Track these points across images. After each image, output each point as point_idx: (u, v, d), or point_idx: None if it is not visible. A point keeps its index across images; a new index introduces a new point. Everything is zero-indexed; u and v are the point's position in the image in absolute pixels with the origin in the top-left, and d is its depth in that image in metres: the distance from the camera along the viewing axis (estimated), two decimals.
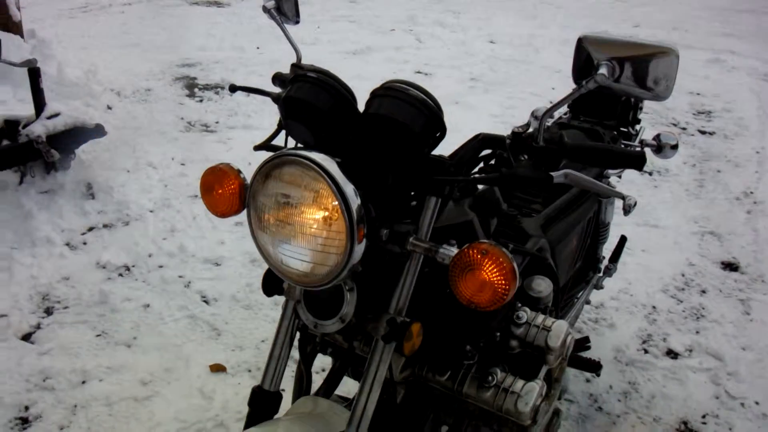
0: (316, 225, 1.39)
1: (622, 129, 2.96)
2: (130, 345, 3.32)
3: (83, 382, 3.08)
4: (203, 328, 3.45)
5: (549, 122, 1.54)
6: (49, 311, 3.54)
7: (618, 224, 4.32)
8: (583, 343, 2.56)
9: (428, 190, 1.51)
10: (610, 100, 2.87)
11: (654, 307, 3.69)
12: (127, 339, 3.36)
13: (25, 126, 4.13)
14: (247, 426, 1.70)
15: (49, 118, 4.15)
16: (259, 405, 1.73)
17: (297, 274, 1.46)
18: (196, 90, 6.20)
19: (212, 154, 4.97)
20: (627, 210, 1.67)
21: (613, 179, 3.15)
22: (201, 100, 5.99)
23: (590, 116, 2.95)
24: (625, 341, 3.35)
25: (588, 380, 3.04)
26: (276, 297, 1.73)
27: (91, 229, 4.19)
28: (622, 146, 2.31)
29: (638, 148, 2.85)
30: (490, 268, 1.37)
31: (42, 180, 4.28)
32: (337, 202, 1.34)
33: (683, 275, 4.00)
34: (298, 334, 1.83)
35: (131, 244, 4.07)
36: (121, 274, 3.86)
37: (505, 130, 2.90)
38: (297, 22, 1.95)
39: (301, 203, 1.39)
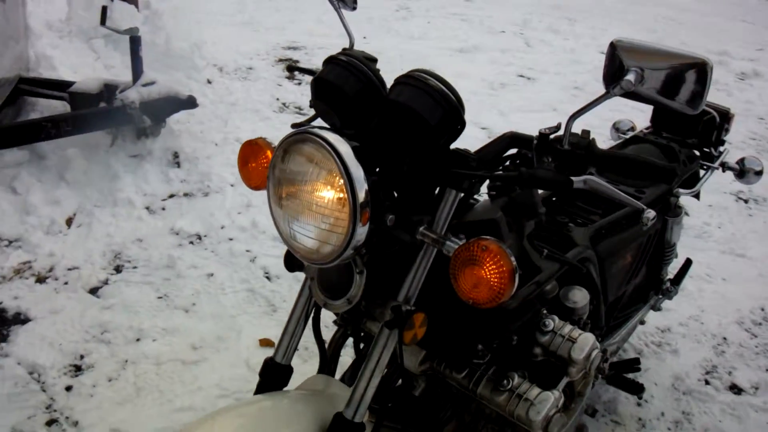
0: (322, 203, 1.40)
1: (704, 149, 2.82)
2: (188, 310, 3.40)
3: (137, 340, 3.18)
4: (260, 303, 3.49)
5: (573, 125, 1.51)
6: (118, 269, 3.66)
7: (701, 249, 4.12)
8: (632, 364, 2.43)
9: (447, 182, 1.49)
10: (691, 118, 2.74)
11: (725, 338, 3.47)
12: (186, 304, 3.43)
13: (121, 91, 4.29)
14: (255, 394, 1.73)
15: (144, 85, 4.30)
16: (270, 376, 1.76)
17: (304, 250, 1.47)
18: (295, 73, 6.30)
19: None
20: (644, 223, 1.59)
21: (693, 201, 2.97)
22: (299, 83, 6.09)
23: (672, 133, 2.83)
24: (687, 370, 3.17)
25: (639, 404, 2.89)
26: None
27: (171, 196, 4.32)
28: (686, 162, 2.16)
29: (719, 170, 2.70)
30: (488, 266, 1.35)
31: (132, 144, 4.44)
32: (343, 182, 1.34)
33: (763, 309, 3.75)
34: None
35: (207, 214, 4.17)
36: (192, 242, 3.96)
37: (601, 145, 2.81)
38: (354, 8, 1.98)
39: (311, 180, 1.40)
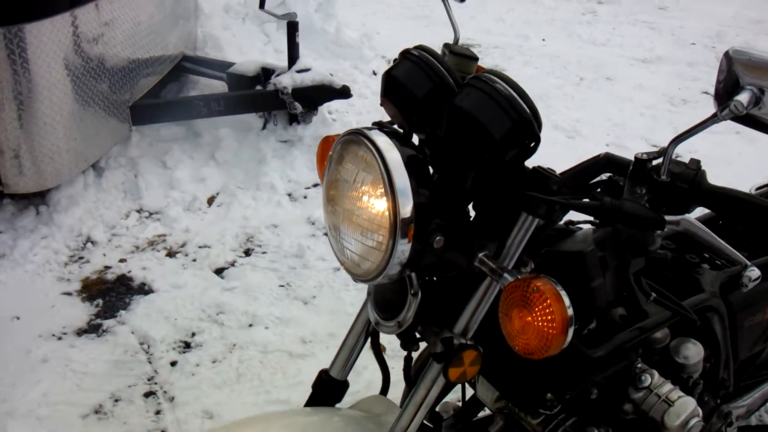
0: (363, 214, 1.26)
1: None
2: (306, 302, 3.30)
3: (250, 325, 3.11)
4: None
5: (679, 155, 1.26)
6: (247, 252, 3.63)
7: None
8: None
9: (520, 206, 1.28)
10: None
11: None
12: (306, 296, 3.34)
13: (276, 76, 4.29)
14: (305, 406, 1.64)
15: (299, 72, 4.26)
16: (322, 390, 1.65)
17: (347, 263, 1.34)
18: None
19: None
20: (744, 284, 1.29)
21: None
22: None
23: None
24: None
25: None
26: None
27: (316, 185, 4.26)
28: None
29: None
30: (538, 310, 1.15)
31: (283, 129, 4.43)
32: (383, 191, 1.19)
33: None
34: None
35: None
36: (325, 234, 3.86)
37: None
38: (462, 1, 1.76)
39: (355, 187, 1.26)
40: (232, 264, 3.53)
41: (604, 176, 1.49)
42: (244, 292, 3.32)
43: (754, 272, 1.27)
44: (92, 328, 3.05)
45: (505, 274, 1.22)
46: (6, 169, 3.31)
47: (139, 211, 3.83)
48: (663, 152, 1.31)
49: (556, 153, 4.76)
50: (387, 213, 1.18)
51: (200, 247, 3.62)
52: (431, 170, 1.32)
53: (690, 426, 1.50)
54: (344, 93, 4.37)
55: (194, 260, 3.52)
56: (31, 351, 2.89)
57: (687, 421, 1.49)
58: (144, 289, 3.30)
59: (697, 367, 1.65)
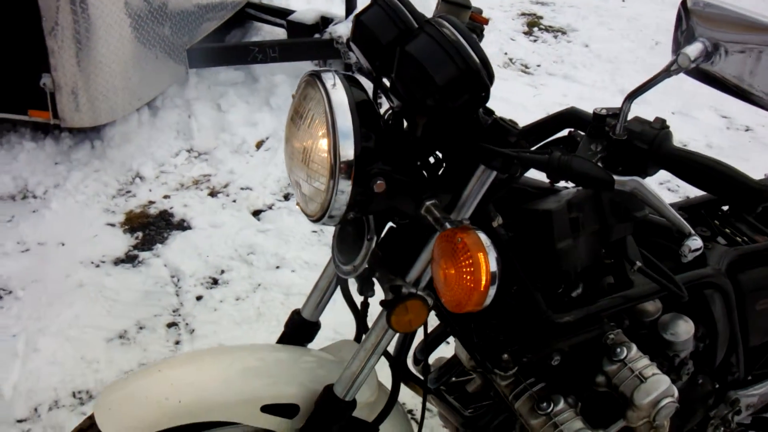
0: (309, 154, 1.26)
1: None
2: None
3: (277, 267, 3.21)
4: None
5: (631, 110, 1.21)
6: (287, 197, 3.72)
7: None
8: None
9: (476, 157, 1.27)
10: None
11: None
12: None
13: (334, 25, 4.32)
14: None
15: None
16: (293, 329, 1.69)
17: (300, 204, 1.35)
18: (535, 29, 5.95)
19: (513, 96, 4.75)
20: (683, 254, 1.23)
21: None
22: (535, 41, 5.75)
23: None
24: None
25: None
26: None
27: None
28: None
29: None
30: (461, 262, 1.14)
31: None
32: (324, 131, 1.20)
33: None
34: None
35: None
36: None
37: None
38: None
39: (304, 126, 1.27)
40: (270, 207, 3.63)
41: (567, 132, 1.45)
42: (277, 234, 3.41)
43: (695, 242, 1.20)
44: (129, 259, 3.22)
45: (446, 223, 1.22)
46: (63, 104, 3.49)
47: (188, 151, 3.97)
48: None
49: None
50: (328, 153, 1.19)
51: (242, 188, 3.73)
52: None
53: (661, 406, 1.44)
54: None
55: (234, 201, 3.64)
56: (70, 275, 3.07)
57: (658, 400, 1.44)
58: (183, 226, 3.44)
59: (686, 346, 1.59)
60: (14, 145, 3.78)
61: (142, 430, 1.41)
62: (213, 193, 3.68)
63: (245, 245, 3.33)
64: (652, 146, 1.19)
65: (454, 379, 1.87)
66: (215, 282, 3.11)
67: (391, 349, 1.69)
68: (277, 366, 1.53)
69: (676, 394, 1.47)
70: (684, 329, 1.58)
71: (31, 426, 2.41)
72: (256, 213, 3.58)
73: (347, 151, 1.18)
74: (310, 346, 1.70)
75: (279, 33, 4.73)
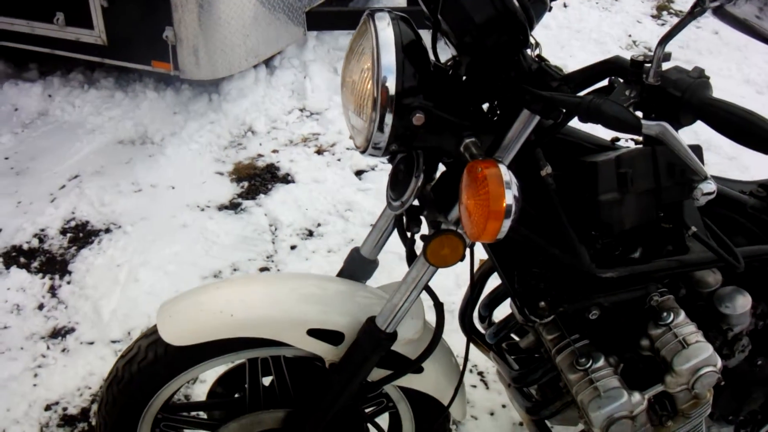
0: (358, 87, 1.31)
1: None
2: None
3: (371, 225, 3.23)
4: None
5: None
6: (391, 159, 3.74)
7: None
8: None
9: (520, 101, 1.29)
10: None
11: None
12: None
13: None
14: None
15: None
16: (351, 266, 1.72)
17: (352, 134, 1.40)
18: (664, 13, 5.69)
19: None
20: (696, 198, 1.17)
21: None
22: (663, 24, 5.49)
23: None
24: None
25: None
26: None
27: None
28: None
29: None
30: (480, 193, 1.17)
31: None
32: (370, 65, 1.24)
33: None
34: None
35: None
36: None
37: None
38: None
39: (357, 61, 1.32)
40: (373, 168, 3.66)
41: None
42: (376, 194, 3.45)
43: (709, 185, 1.17)
44: (232, 206, 3.34)
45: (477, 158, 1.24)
46: (183, 57, 3.65)
47: (301, 110, 4.06)
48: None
49: None
50: (372, 85, 1.23)
51: (348, 149, 3.78)
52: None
53: (701, 374, 1.43)
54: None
55: (339, 160, 3.70)
56: (175, 216, 3.22)
57: (699, 367, 1.42)
58: (287, 179, 3.53)
59: (741, 321, 1.55)
60: (138, 93, 4.00)
61: (195, 339, 1.49)
62: (319, 151, 3.76)
63: (344, 202, 3.38)
64: (686, 94, 1.14)
65: (513, 336, 1.86)
66: (310, 234, 3.18)
67: (450, 297, 1.67)
68: (327, 294, 1.57)
69: (719, 364, 1.44)
70: (741, 303, 1.53)
71: (123, 347, 2.55)
72: (359, 173, 3.63)
73: (389, 84, 1.21)
74: (369, 282, 1.72)
75: (400, 1, 4.76)
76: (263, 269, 2.96)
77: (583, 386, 1.45)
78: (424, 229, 1.42)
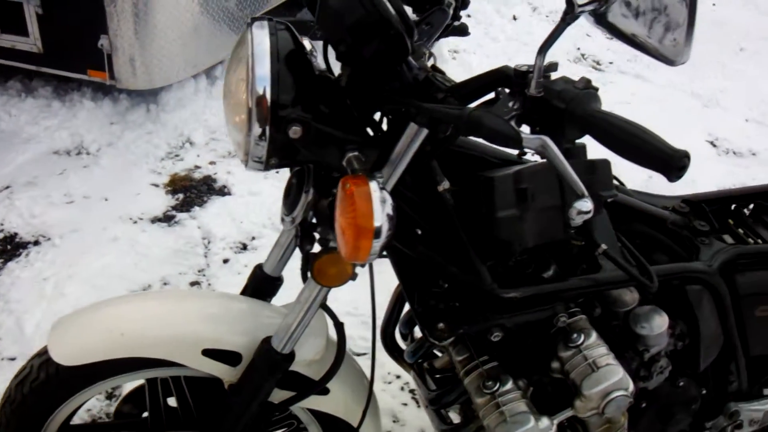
0: (235, 96, 1.27)
1: None
2: None
3: None
4: None
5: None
6: None
7: None
8: None
9: (406, 114, 1.24)
10: None
11: None
12: None
13: None
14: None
15: None
16: (255, 284, 1.69)
17: (233, 146, 1.36)
18: None
19: None
20: (571, 218, 1.16)
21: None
22: (612, 38, 5.53)
23: None
24: None
25: None
26: None
27: None
28: None
29: None
30: (347, 210, 1.13)
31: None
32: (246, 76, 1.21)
33: None
34: None
35: None
36: None
37: None
38: None
39: (233, 69, 1.28)
40: None
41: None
42: None
43: (585, 204, 1.12)
44: (166, 218, 3.31)
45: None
46: (119, 66, 3.62)
47: None
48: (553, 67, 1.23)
49: (684, 120, 4.46)
50: (246, 96, 1.20)
51: None
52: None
53: (611, 398, 1.37)
54: (462, 30, 4.29)
55: (277, 172, 3.65)
56: (107, 228, 3.18)
57: (608, 391, 1.37)
58: (223, 191, 3.51)
59: (657, 341, 1.51)
60: (75, 103, 3.95)
61: (84, 359, 1.46)
62: None
63: (279, 214, 3.35)
64: (570, 106, 1.12)
65: (437, 353, 1.84)
66: (244, 247, 3.16)
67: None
68: (226, 313, 1.54)
69: (631, 388, 1.39)
70: (657, 323, 1.49)
71: None
72: None
73: (263, 95, 1.18)
74: (274, 300, 1.70)
75: None
76: (194, 283, 2.93)
77: (490, 410, 1.40)
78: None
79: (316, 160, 1.30)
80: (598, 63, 5.18)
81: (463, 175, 1.38)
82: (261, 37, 1.21)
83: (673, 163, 1.05)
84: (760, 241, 1.77)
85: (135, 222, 3.26)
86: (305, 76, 1.24)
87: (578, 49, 5.32)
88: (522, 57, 4.98)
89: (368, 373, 1.57)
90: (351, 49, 1.19)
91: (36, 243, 3.11)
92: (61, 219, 3.23)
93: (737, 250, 1.66)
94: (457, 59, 4.66)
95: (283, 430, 1.74)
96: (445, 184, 1.35)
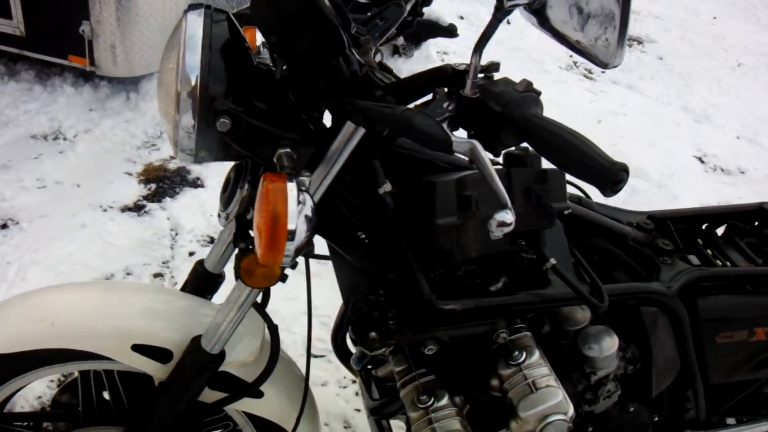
0: (164, 85, 1.23)
1: None
2: None
3: None
4: None
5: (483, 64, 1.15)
6: None
7: None
8: None
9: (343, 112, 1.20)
10: None
11: None
12: None
13: None
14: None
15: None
16: (196, 280, 1.67)
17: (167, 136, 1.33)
18: None
19: (568, 100, 4.58)
20: (490, 228, 1.11)
21: None
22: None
23: None
24: None
25: None
26: None
27: None
28: None
29: None
30: (263, 209, 1.08)
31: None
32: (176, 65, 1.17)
33: None
34: None
35: None
36: None
37: None
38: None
39: (166, 57, 1.24)
40: None
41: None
42: None
43: (506, 216, 1.05)
44: (136, 208, 3.27)
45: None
46: (99, 52, 3.59)
47: None
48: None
49: (673, 134, 4.43)
50: (175, 86, 1.16)
51: None
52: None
53: (548, 422, 1.30)
54: (450, 31, 4.28)
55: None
56: (76, 215, 3.15)
57: (546, 414, 1.30)
58: (196, 183, 3.48)
59: (605, 364, 1.44)
60: (56, 88, 3.92)
61: (14, 347, 1.43)
62: None
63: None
64: (506, 109, 1.08)
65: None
66: (212, 240, 3.13)
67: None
68: (161, 309, 1.51)
69: (571, 412, 1.32)
70: (606, 345, 1.43)
71: None
72: None
73: (191, 84, 1.14)
74: (215, 298, 1.68)
75: None
76: (157, 275, 2.90)
77: (422, 426, 1.34)
78: None
79: (247, 155, 1.25)
80: (590, 72, 5.14)
81: (407, 178, 1.34)
82: (194, 25, 1.18)
83: (608, 176, 1.00)
84: (728, 263, 1.72)
85: (105, 210, 3.23)
86: (241, 68, 1.20)
87: (570, 56, 5.28)
88: (511, 62, 4.96)
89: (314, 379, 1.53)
90: (283, 41, 1.16)
91: (4, 226, 3.08)
92: (32, 204, 3.20)
93: (699, 272, 1.60)
94: (446, 61, 4.60)
95: (218, 431, 1.71)
96: (387, 187, 1.31)
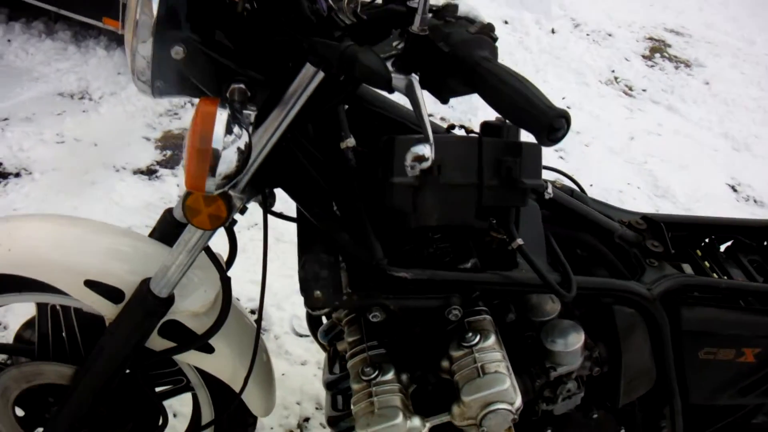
0: (130, 7, 1.19)
1: None
2: None
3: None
4: None
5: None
6: None
7: None
8: None
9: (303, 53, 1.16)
10: None
11: None
12: None
13: None
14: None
15: None
16: (164, 227, 1.61)
17: None
18: (657, 55, 5.60)
19: (604, 114, 4.49)
20: (405, 162, 1.07)
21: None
22: (652, 66, 5.40)
23: None
24: None
25: None
26: None
27: None
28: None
29: None
30: (193, 129, 1.07)
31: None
32: None
33: None
34: None
35: None
36: None
37: None
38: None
39: None
40: None
41: None
42: None
43: (424, 149, 1.02)
44: (148, 172, 3.29)
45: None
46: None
47: None
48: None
49: (710, 160, 4.30)
50: (133, 10, 1.15)
51: None
52: None
53: (491, 410, 1.23)
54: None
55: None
56: (88, 173, 3.18)
57: (489, 402, 1.23)
58: None
59: (567, 361, 1.37)
60: (89, 50, 3.98)
61: None
62: None
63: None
64: (453, 50, 1.03)
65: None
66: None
67: None
68: (120, 249, 1.49)
69: (518, 404, 1.24)
70: (571, 340, 1.36)
71: None
72: None
73: (150, 8, 1.12)
74: None
75: None
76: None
77: (362, 398, 1.29)
78: None
79: (200, 88, 1.21)
80: (630, 88, 5.02)
81: (373, 137, 1.30)
82: None
83: (544, 120, 0.95)
84: (725, 278, 1.63)
85: (117, 171, 3.25)
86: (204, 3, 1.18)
87: (613, 71, 5.17)
88: (551, 70, 4.88)
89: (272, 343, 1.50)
90: None
91: (17, 175, 3.11)
92: (47, 156, 3.24)
93: (686, 279, 1.51)
94: None
95: (169, 386, 1.68)
96: (350, 142, 1.27)
